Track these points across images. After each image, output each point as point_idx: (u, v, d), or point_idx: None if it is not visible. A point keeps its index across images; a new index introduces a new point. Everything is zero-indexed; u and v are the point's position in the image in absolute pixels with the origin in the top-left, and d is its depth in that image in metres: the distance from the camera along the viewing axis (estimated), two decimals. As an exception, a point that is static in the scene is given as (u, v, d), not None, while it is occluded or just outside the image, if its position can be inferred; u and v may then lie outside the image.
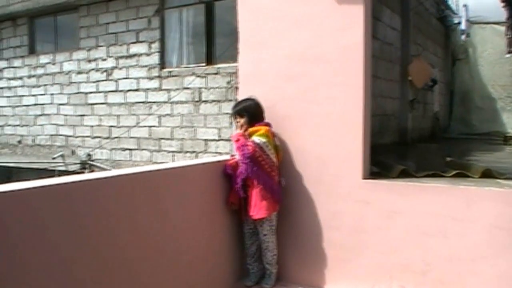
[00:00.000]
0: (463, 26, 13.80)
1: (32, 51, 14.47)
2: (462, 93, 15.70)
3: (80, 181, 3.39)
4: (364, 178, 4.62)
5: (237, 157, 4.76)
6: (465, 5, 13.95)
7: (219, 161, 4.93)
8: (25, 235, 2.87)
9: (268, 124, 4.76)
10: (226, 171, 4.77)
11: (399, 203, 4.44)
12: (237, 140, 4.66)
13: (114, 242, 3.50)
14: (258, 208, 4.62)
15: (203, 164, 4.98)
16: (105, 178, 3.63)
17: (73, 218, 3.20)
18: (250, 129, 4.67)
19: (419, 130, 11.12)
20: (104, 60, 12.52)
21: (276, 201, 4.71)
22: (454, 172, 4.76)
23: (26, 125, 14.50)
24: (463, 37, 14.38)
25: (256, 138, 4.58)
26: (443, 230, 4.23)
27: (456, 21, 14.50)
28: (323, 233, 4.80)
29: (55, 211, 3.07)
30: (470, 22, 14.48)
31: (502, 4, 10.32)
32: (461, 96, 15.69)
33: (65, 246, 3.12)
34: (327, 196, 4.77)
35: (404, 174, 4.79)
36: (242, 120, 4.74)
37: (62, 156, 13.33)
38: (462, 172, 4.77)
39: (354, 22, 4.61)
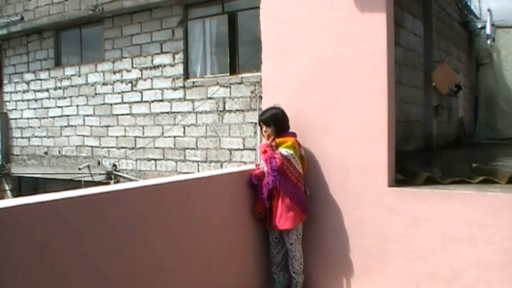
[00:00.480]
0: (488, 30, 13.65)
1: (58, 63, 14.70)
2: (487, 98, 15.55)
3: (113, 191, 3.50)
4: (390, 186, 4.60)
5: (262, 166, 4.77)
6: (489, 10, 13.82)
7: (244, 171, 4.95)
8: (59, 245, 2.93)
9: (294, 134, 4.75)
10: (252, 182, 4.79)
11: (425, 211, 4.41)
12: (265, 152, 4.66)
13: (145, 249, 3.57)
14: (284, 218, 4.61)
15: (229, 173, 5.01)
16: (136, 188, 3.70)
17: (107, 227, 3.28)
18: (277, 140, 4.66)
19: (444, 136, 11.06)
20: (129, 71, 12.65)
21: (302, 211, 4.70)
22: (480, 179, 4.71)
23: (52, 136, 14.69)
24: (488, 41, 14.22)
25: (284, 150, 4.58)
26: (470, 237, 4.19)
27: (479, 25, 14.35)
28: (348, 241, 4.78)
29: (89, 221, 3.15)
30: (495, 27, 14.34)
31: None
32: (486, 101, 15.54)
33: (99, 253, 3.20)
34: (352, 204, 4.75)
35: (430, 181, 4.75)
36: (269, 130, 4.73)
37: (88, 166, 13.46)
38: (488, 178, 4.72)
39: (376, 29, 4.60)
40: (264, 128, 4.79)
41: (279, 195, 4.61)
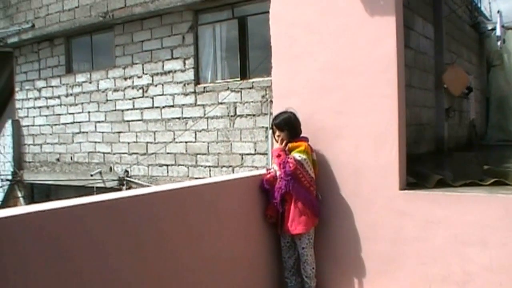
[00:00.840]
0: (498, 32, 13.57)
1: (69, 70, 14.76)
2: (498, 100, 15.42)
3: (132, 196, 3.54)
4: (401, 189, 4.60)
5: (274, 170, 4.79)
6: (499, 11, 13.74)
7: (255, 175, 4.96)
8: (79, 249, 2.97)
9: (306, 139, 4.76)
10: (263, 186, 4.79)
11: (437, 213, 4.40)
12: (278, 156, 4.67)
13: (162, 252, 3.61)
14: (296, 223, 4.62)
15: (240, 178, 5.02)
16: (154, 193, 3.75)
17: (126, 231, 3.33)
18: (290, 144, 4.67)
19: (456, 138, 11.00)
20: (140, 77, 12.68)
21: (315, 216, 4.72)
22: (492, 180, 4.71)
23: (64, 143, 14.74)
24: (499, 43, 14.13)
25: (297, 155, 4.59)
26: (482, 239, 4.18)
27: (489, 27, 14.28)
28: (361, 245, 4.78)
29: (109, 226, 3.20)
30: (505, 28, 14.26)
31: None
32: (497, 103, 15.41)
33: (118, 257, 3.25)
34: (364, 208, 4.75)
35: (441, 184, 4.75)
36: (282, 134, 4.74)
37: (100, 173, 13.50)
38: (500, 180, 4.71)
39: (386, 32, 4.61)
40: (277, 133, 4.79)
41: (292, 199, 4.62)
